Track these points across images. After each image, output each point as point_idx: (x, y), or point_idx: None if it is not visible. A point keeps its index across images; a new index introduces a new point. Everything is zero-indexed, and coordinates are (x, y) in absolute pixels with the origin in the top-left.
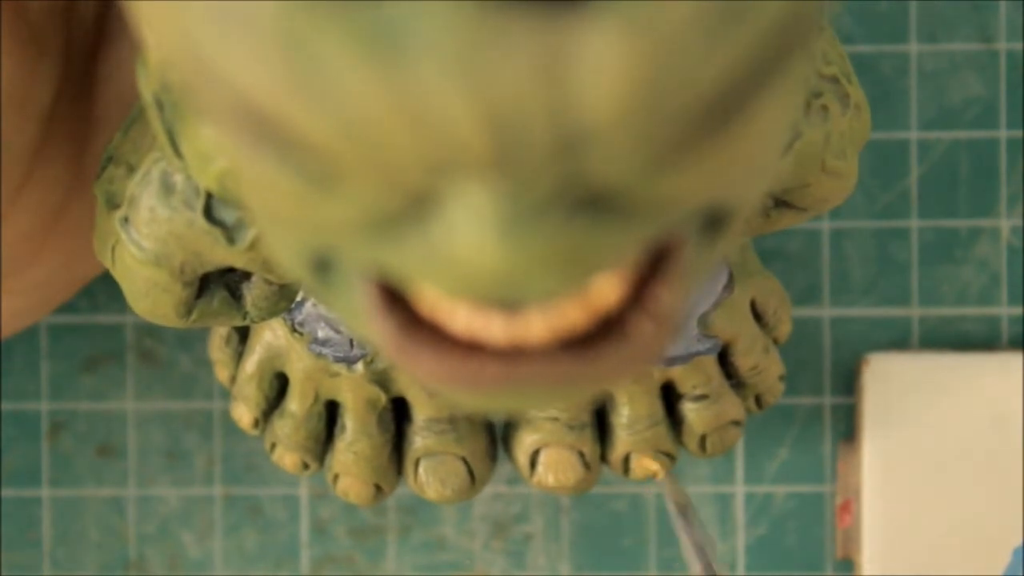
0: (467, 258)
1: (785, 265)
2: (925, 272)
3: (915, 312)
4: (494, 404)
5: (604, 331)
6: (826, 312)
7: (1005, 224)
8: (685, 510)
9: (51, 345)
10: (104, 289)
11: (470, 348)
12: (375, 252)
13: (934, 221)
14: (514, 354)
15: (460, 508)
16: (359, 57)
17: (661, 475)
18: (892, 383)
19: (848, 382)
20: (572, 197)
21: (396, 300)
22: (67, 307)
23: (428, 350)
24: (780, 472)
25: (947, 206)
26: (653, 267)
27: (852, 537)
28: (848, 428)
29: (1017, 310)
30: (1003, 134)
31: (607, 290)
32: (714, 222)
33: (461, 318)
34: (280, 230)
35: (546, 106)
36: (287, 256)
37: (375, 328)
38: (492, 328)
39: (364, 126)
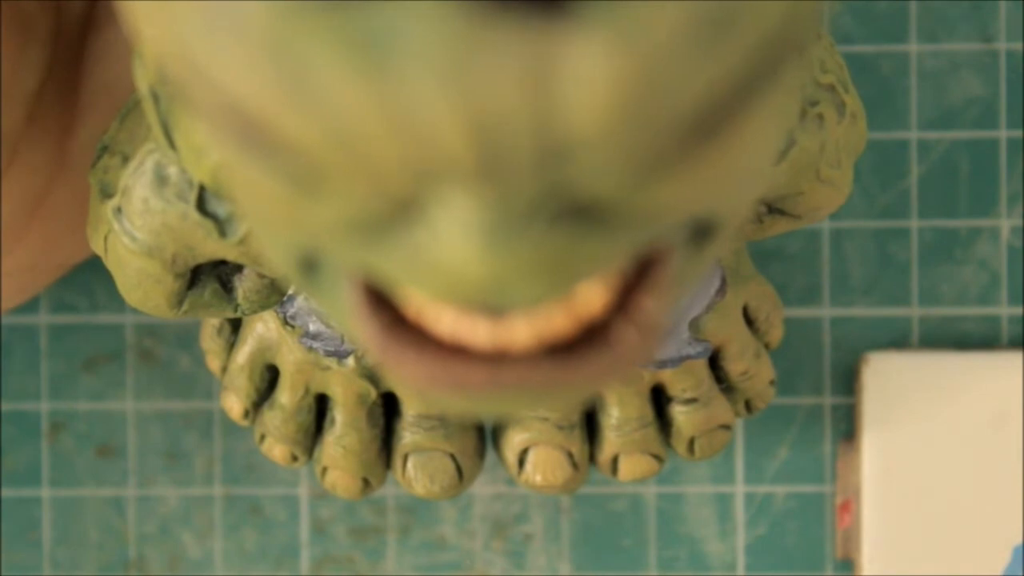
0: (452, 265)
1: (785, 265)
2: (925, 272)
3: (915, 312)
4: (478, 408)
5: (588, 338)
6: (826, 312)
7: (1005, 224)
8: None
9: (51, 345)
10: (104, 289)
11: (455, 351)
12: (361, 255)
13: (934, 221)
14: (498, 359)
15: (460, 508)
16: (346, 63)
17: None
18: (892, 383)
19: (848, 382)
20: (557, 206)
21: (382, 301)
22: (67, 307)
23: (412, 352)
24: (780, 472)
25: (947, 206)
26: (639, 275)
27: (852, 537)
28: (848, 428)
29: (1017, 310)
30: (1003, 134)
31: (592, 297)
32: (702, 233)
33: (446, 322)
34: (268, 229)
35: (531, 116)
36: (275, 254)
37: (360, 328)
38: (477, 332)
39: (350, 132)
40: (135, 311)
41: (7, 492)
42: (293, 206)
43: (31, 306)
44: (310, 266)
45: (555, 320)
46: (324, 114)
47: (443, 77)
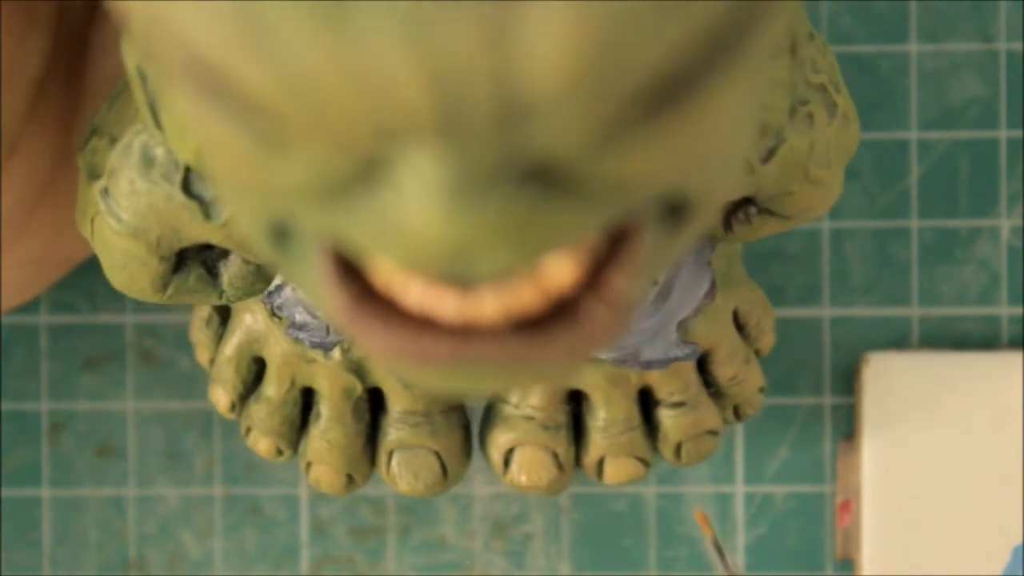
0: (415, 227)
1: (785, 265)
2: (925, 272)
3: (915, 312)
4: (445, 382)
5: (557, 314)
6: (826, 312)
7: (1005, 224)
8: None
9: (51, 345)
10: (104, 289)
11: (422, 324)
12: (328, 219)
13: (934, 221)
14: (466, 332)
15: (460, 508)
16: (306, 15)
17: (708, 533)
18: (892, 383)
19: (848, 382)
20: (520, 169)
21: (351, 272)
22: (67, 307)
23: (380, 323)
24: (780, 472)
25: (947, 206)
26: (610, 252)
27: (852, 537)
28: (848, 428)
29: (1017, 310)
30: (1003, 134)
31: (561, 272)
32: (676, 211)
33: (414, 293)
34: (239, 196)
35: (490, 72)
36: (248, 224)
37: (329, 299)
38: (445, 305)
39: (309, 84)
40: (135, 311)
41: (7, 492)
42: (261, 168)
43: (31, 306)
44: (281, 235)
45: (523, 294)
46: (283, 65)
47: (402, 30)
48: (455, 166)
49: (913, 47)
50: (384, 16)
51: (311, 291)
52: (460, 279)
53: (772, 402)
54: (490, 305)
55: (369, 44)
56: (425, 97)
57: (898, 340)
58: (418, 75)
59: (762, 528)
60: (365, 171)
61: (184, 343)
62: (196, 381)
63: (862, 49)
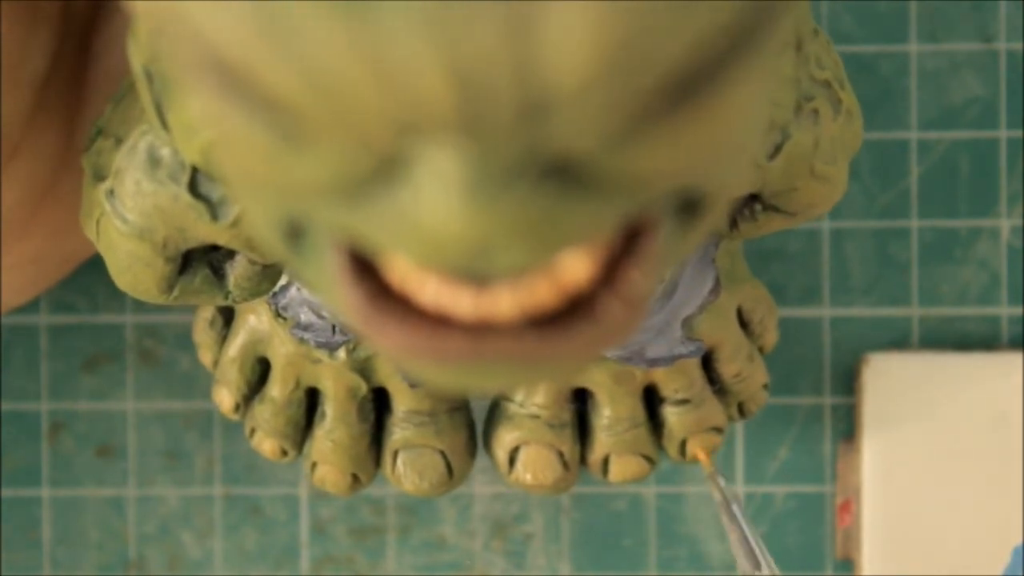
0: (433, 224)
1: (785, 265)
2: (925, 272)
3: (915, 312)
4: (460, 380)
5: (573, 310)
6: (826, 312)
7: (1005, 224)
8: (730, 505)
9: (51, 345)
10: (104, 289)
11: (438, 322)
12: (344, 216)
13: (934, 221)
14: (481, 330)
15: (460, 508)
16: (327, 11)
17: (708, 468)
18: (892, 383)
19: (848, 382)
20: (540, 165)
21: (366, 269)
22: (67, 307)
23: (395, 321)
24: (780, 472)
25: (947, 206)
26: (626, 248)
27: (852, 537)
28: (848, 428)
29: (1017, 310)
30: (1003, 134)
31: (577, 268)
32: (690, 206)
33: (430, 290)
34: (253, 195)
35: (513, 67)
36: (261, 223)
37: (343, 297)
38: (460, 302)
39: (330, 80)
40: (135, 311)
41: (7, 492)
42: (278, 165)
43: (31, 306)
44: (295, 234)
45: (539, 291)
46: (305, 61)
47: (424, 24)
48: (474, 163)
49: (913, 47)
50: (406, 11)
51: (324, 290)
52: (476, 276)
53: (772, 402)
54: (506, 302)
55: (391, 39)
56: (447, 93)
57: (898, 340)
58: (440, 71)
59: (762, 528)
60: (383, 168)
61: (184, 343)
62: (196, 381)
63: (862, 49)
